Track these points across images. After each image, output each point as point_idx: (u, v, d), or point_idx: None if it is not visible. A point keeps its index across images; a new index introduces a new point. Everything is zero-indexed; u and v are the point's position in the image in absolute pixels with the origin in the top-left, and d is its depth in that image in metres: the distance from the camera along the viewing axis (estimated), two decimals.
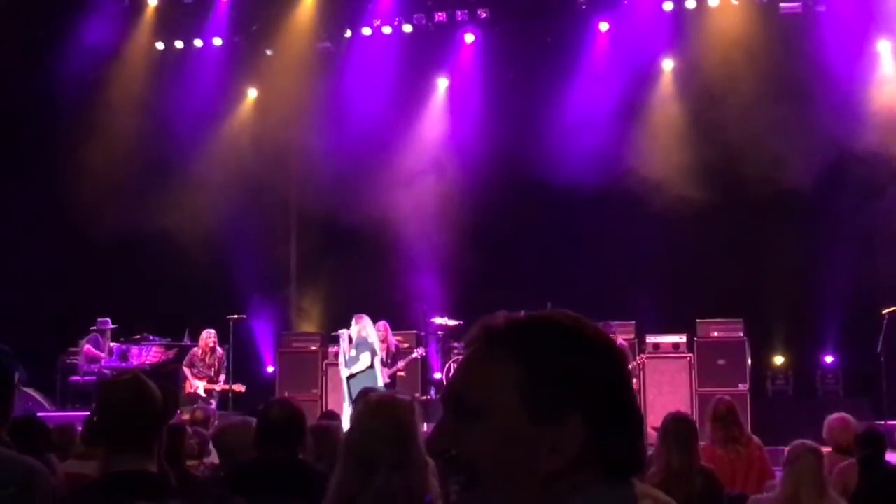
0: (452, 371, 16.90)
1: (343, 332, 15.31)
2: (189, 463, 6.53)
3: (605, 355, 1.73)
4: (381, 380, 14.88)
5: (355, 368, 14.97)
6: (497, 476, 1.68)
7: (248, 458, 5.23)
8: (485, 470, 1.68)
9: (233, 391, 16.13)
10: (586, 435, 1.67)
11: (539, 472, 1.67)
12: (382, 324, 15.84)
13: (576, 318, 1.77)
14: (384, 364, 15.64)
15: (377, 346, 15.03)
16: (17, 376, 3.50)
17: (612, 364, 1.74)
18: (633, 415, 1.74)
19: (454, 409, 1.72)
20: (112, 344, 17.26)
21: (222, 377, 16.23)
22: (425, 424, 9.10)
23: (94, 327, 17.13)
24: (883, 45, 17.48)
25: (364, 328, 15.07)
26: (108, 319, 17.12)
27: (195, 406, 11.92)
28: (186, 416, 10.57)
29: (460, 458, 1.69)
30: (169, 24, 19.02)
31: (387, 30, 18.78)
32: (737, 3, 17.43)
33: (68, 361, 17.19)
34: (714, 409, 8.43)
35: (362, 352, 14.95)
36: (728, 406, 8.42)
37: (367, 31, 18.89)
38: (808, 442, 6.31)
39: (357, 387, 14.81)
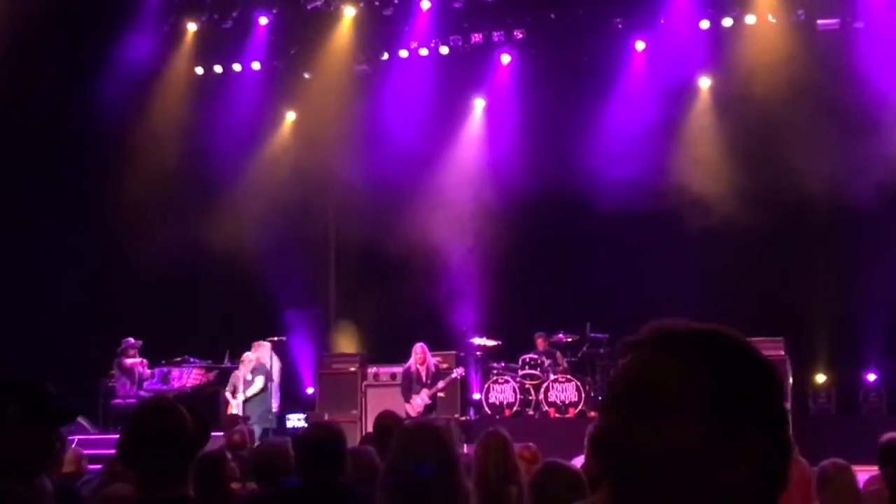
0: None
1: (245, 358, 15.79)
2: (233, 486, 6.56)
3: (780, 381, 1.74)
4: (274, 404, 15.30)
5: (249, 392, 15.36)
6: (667, 478, 1.63)
7: (287, 479, 5.24)
8: (656, 469, 1.63)
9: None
10: (762, 456, 1.65)
11: (711, 483, 1.63)
12: (420, 346, 15.96)
13: (750, 341, 1.76)
14: (424, 385, 15.73)
15: (275, 370, 15.35)
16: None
17: (783, 391, 1.75)
18: (791, 444, 1.73)
19: (632, 407, 1.67)
20: (148, 370, 17.31)
21: None
22: (465, 446, 9.06)
23: (119, 349, 17.12)
24: None
25: (262, 355, 15.47)
26: (131, 338, 17.13)
27: (234, 429, 11.96)
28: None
29: (630, 454, 1.64)
30: (208, 48, 19.20)
31: (423, 52, 18.87)
32: (773, 20, 17.36)
33: (110, 384, 17.29)
34: None
35: (257, 375, 15.48)
36: None
37: (404, 53, 18.98)
38: (839, 461, 6.24)
39: (251, 410, 15.21)
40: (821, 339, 17.43)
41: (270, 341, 16.69)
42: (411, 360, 16.03)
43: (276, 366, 15.90)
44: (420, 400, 15.71)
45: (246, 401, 15.59)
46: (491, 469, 6.00)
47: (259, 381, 15.50)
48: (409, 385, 15.94)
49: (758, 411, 1.67)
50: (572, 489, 4.72)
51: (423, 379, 15.87)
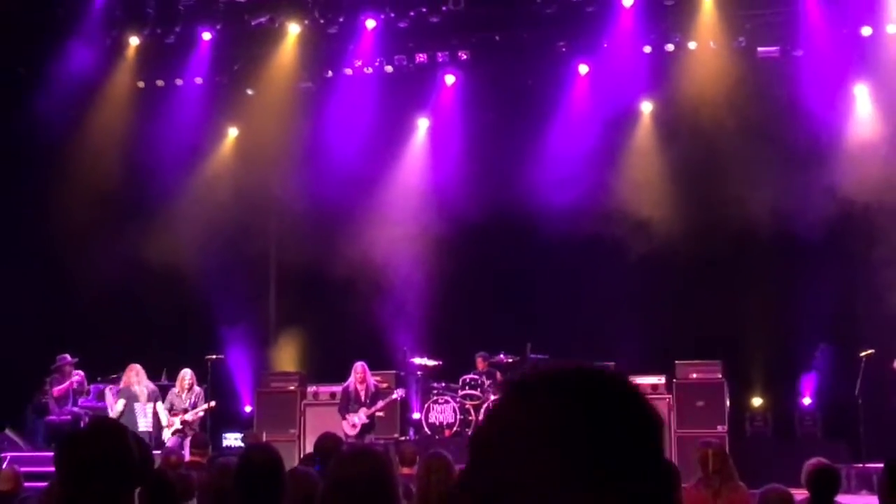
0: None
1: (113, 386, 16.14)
2: None
3: (654, 425, 1.60)
4: (143, 422, 15.47)
5: (113, 414, 15.50)
6: None
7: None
8: None
9: (208, 410, 16.10)
10: None
11: None
12: (360, 364, 15.81)
13: (623, 377, 1.61)
14: (363, 404, 15.58)
15: (140, 392, 15.68)
16: None
17: (658, 435, 1.60)
18: (670, 493, 1.61)
19: (486, 458, 1.58)
20: (87, 385, 17.14)
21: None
22: (416, 466, 8.98)
23: (54, 366, 16.91)
24: (860, 89, 17.65)
25: (128, 378, 15.59)
26: (67, 355, 16.92)
27: (168, 450, 11.85)
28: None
29: (486, 501, 1.55)
30: (151, 62, 19.03)
31: (368, 70, 18.86)
32: (714, 46, 17.57)
33: (43, 401, 17.02)
34: (704, 452, 8.44)
35: (120, 398, 15.68)
36: (720, 449, 8.47)
37: (348, 71, 18.96)
38: (779, 487, 6.25)
39: None
40: (758, 363, 17.62)
41: (209, 359, 16.54)
42: (351, 379, 15.83)
43: (145, 387, 15.86)
44: (357, 419, 15.52)
45: None
46: (433, 491, 5.97)
47: (119, 405, 15.58)
48: (347, 403, 15.76)
49: (620, 464, 1.53)
50: None
51: (363, 398, 15.70)
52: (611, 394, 1.58)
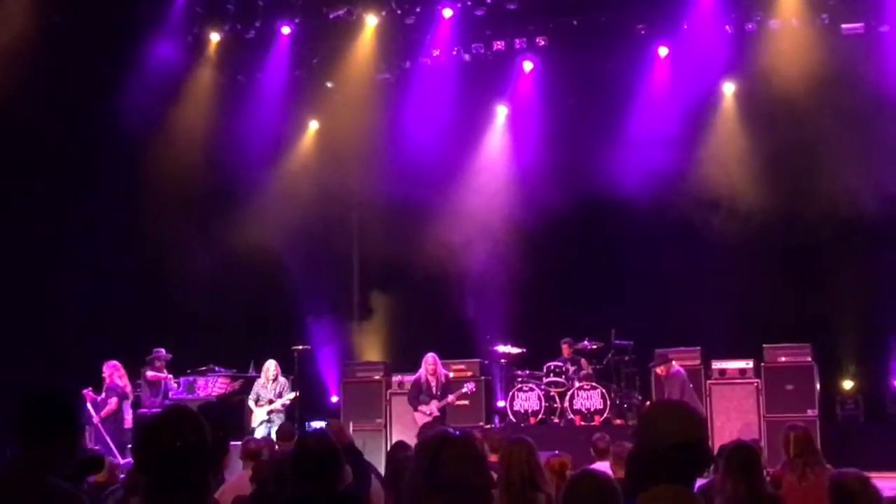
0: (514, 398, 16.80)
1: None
2: None
3: None
4: (127, 418, 15.79)
5: (104, 413, 15.69)
6: None
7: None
8: None
9: (293, 401, 16.27)
10: None
11: None
12: (431, 356, 15.65)
13: None
14: (434, 396, 15.47)
15: (130, 390, 15.98)
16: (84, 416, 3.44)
17: None
18: None
19: None
20: (174, 382, 17.39)
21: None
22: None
23: (149, 356, 17.19)
24: None
25: (110, 376, 15.82)
26: (163, 350, 17.18)
27: (247, 438, 11.98)
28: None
29: None
30: (232, 58, 19.23)
31: (445, 59, 18.85)
32: (796, 23, 17.24)
33: (136, 393, 17.33)
34: (787, 436, 8.33)
35: (109, 397, 15.83)
36: (802, 433, 8.33)
37: (426, 61, 18.98)
38: (860, 473, 6.05)
39: (105, 429, 15.43)
40: (848, 345, 17.32)
41: (295, 350, 16.71)
42: (422, 370, 15.70)
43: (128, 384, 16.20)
44: (428, 410, 15.45)
45: (102, 421, 15.78)
46: (516, 476, 5.97)
47: (112, 402, 15.80)
48: (417, 394, 15.61)
49: None
50: (607, 499, 4.68)
51: (434, 390, 15.51)
52: None
